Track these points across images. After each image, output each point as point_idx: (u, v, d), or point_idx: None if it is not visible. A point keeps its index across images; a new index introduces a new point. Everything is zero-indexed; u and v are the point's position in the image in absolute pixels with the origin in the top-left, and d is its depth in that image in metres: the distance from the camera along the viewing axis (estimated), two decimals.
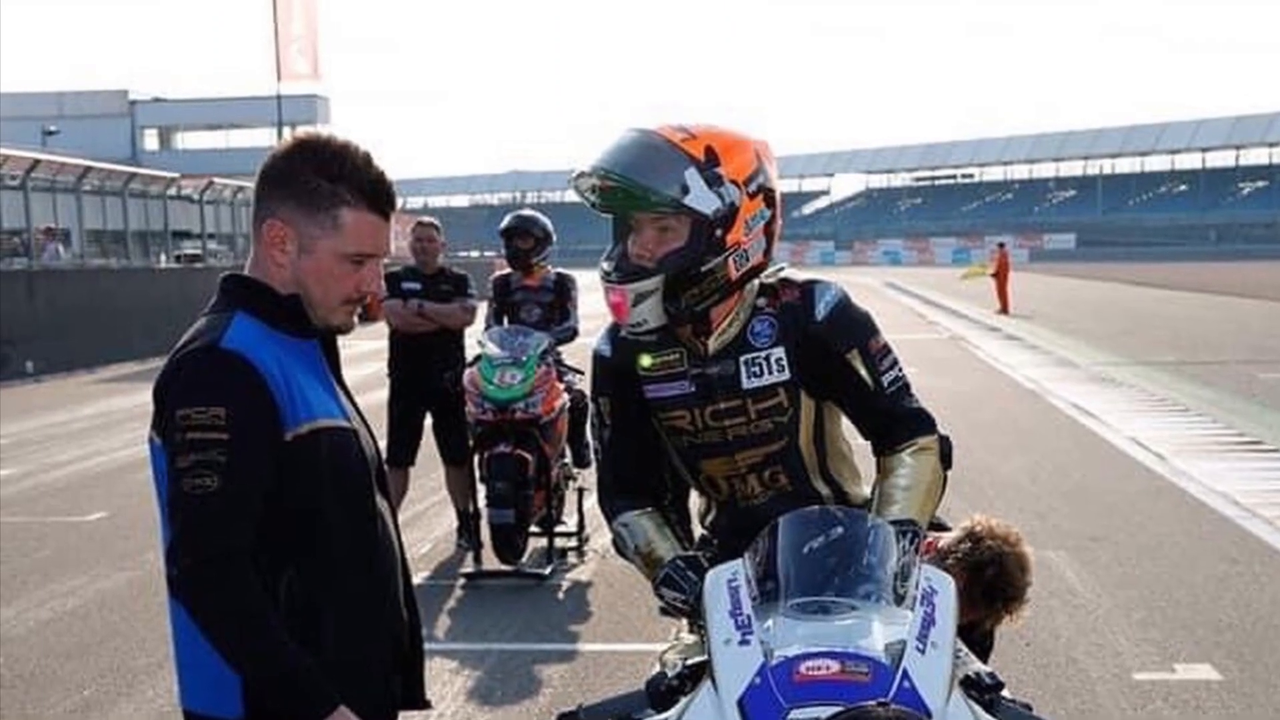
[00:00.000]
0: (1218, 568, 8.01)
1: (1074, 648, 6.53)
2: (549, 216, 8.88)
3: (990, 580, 3.42)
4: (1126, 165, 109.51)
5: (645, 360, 3.25)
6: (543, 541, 8.27)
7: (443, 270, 8.72)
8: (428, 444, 8.76)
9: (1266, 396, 15.72)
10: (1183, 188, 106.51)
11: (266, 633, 2.38)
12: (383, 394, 8.75)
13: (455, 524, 8.82)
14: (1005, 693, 2.62)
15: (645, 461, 3.32)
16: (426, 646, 2.86)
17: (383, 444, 3.75)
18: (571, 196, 3.20)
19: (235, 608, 2.38)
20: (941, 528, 3.56)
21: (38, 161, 25.90)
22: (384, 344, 8.80)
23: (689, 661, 2.65)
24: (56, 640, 7.00)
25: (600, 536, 8.35)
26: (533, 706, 5.90)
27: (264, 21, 45.86)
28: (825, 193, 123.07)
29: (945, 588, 2.66)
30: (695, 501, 3.52)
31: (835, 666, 2.41)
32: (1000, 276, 34.56)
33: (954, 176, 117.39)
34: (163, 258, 31.33)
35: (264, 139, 57.56)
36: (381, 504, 2.66)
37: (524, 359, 8.05)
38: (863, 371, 3.19)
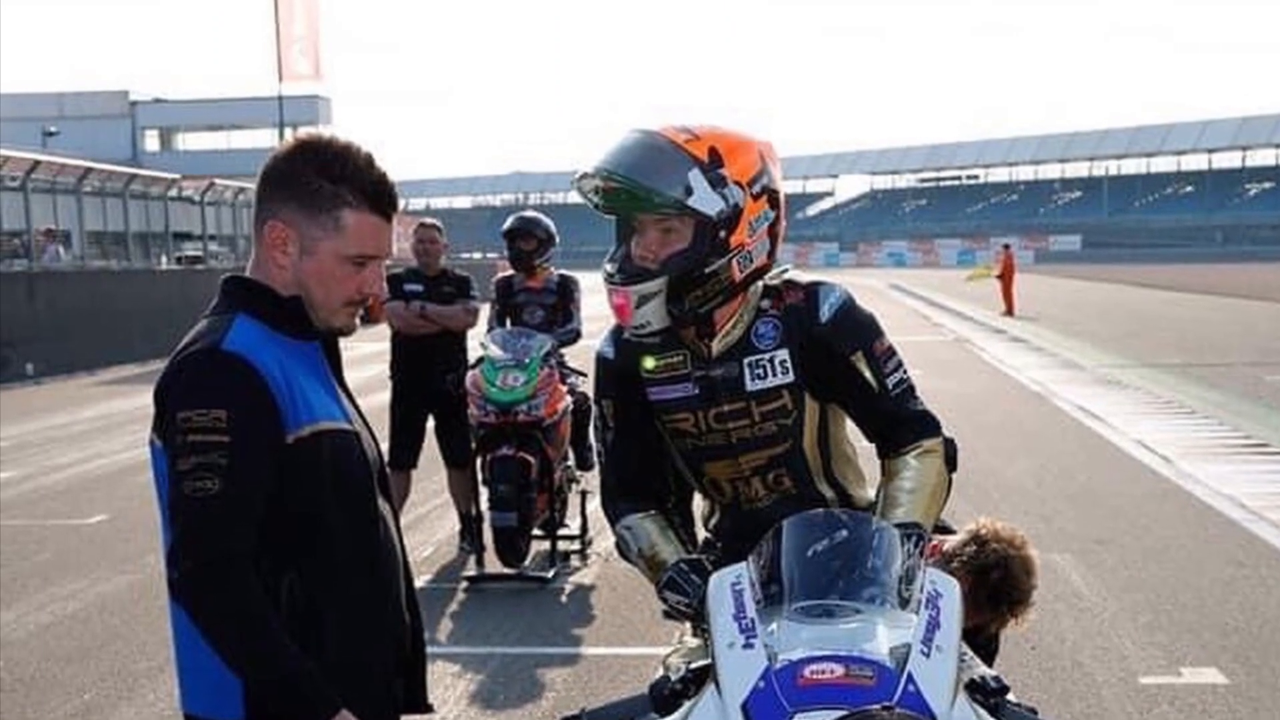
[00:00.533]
0: (1224, 571, 7.99)
1: (1079, 651, 6.51)
2: (552, 218, 8.87)
3: (995, 583, 3.41)
4: (1132, 166, 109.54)
5: (649, 362, 3.24)
6: (545, 545, 8.25)
7: (445, 272, 8.71)
8: (430, 446, 8.75)
9: (1273, 399, 15.70)
10: (1189, 189, 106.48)
11: (268, 636, 2.37)
12: (385, 396, 8.75)
13: (457, 527, 8.81)
14: (1010, 697, 2.61)
15: (648, 464, 3.31)
16: (428, 650, 2.85)
17: (385, 446, 3.74)
18: (574, 198, 3.18)
19: (236, 611, 2.37)
20: (946, 530, 3.55)
21: (38, 162, 25.89)
22: (386, 346, 8.79)
23: (692, 665, 2.64)
24: (57, 644, 6.99)
25: (603, 540, 8.33)
26: (535, 710, 5.89)
27: (265, 22, 45.92)
28: (830, 194, 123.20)
29: (950, 591, 2.65)
30: (699, 504, 3.50)
31: (840, 670, 2.40)
32: (1005, 278, 34.56)
33: (959, 178, 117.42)
34: (163, 259, 31.34)
35: (265, 140, 57.57)
36: (383, 507, 2.65)
37: (527, 361, 8.04)
38: (867, 374, 3.18)
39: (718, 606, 2.64)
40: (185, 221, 33.85)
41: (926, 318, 33.71)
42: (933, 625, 2.52)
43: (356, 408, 2.69)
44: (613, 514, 3.32)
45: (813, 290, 3.20)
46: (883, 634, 2.49)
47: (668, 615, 3.23)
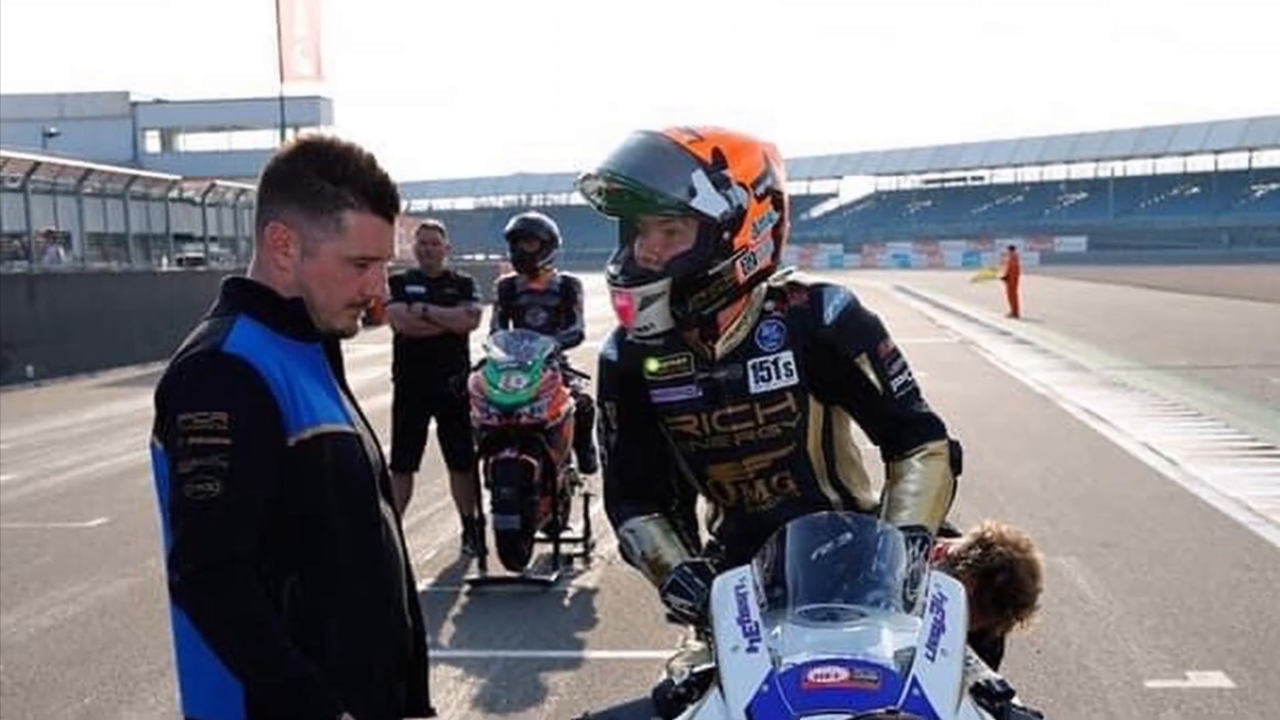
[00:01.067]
0: (1230, 574, 7.97)
1: (1085, 655, 6.50)
2: (555, 219, 8.87)
3: (1001, 587, 3.39)
4: (1138, 167, 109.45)
5: (652, 364, 3.23)
6: (548, 548, 8.24)
7: (447, 273, 8.69)
8: (432, 449, 8.74)
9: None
10: (1195, 190, 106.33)
11: (269, 639, 2.37)
12: (387, 398, 8.73)
13: (460, 530, 8.80)
14: (1016, 700, 2.60)
15: (652, 467, 3.30)
16: (431, 653, 2.84)
17: (386, 449, 3.73)
18: (577, 199, 3.17)
19: (238, 614, 2.36)
20: (951, 533, 3.54)
21: (38, 164, 25.87)
22: (388, 348, 8.78)
23: (696, 669, 2.63)
24: (57, 647, 6.98)
25: (606, 542, 8.31)
26: (538, 714, 5.88)
27: (267, 22, 45.96)
28: (834, 195, 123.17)
29: (955, 594, 2.65)
30: (702, 507, 3.49)
31: (844, 674, 2.39)
32: (1011, 280, 34.55)
33: (964, 179, 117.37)
34: (164, 261, 31.33)
35: (267, 141, 57.51)
36: (385, 509, 2.64)
37: (529, 363, 8.02)
38: (872, 376, 3.16)
39: (721, 610, 2.63)
40: (186, 223, 33.87)
41: (931, 320, 33.69)
42: (938, 629, 2.51)
43: (358, 410, 2.68)
44: (616, 517, 3.31)
45: (817, 292, 3.19)
46: (887, 638, 2.48)
47: (671, 619, 3.22)
